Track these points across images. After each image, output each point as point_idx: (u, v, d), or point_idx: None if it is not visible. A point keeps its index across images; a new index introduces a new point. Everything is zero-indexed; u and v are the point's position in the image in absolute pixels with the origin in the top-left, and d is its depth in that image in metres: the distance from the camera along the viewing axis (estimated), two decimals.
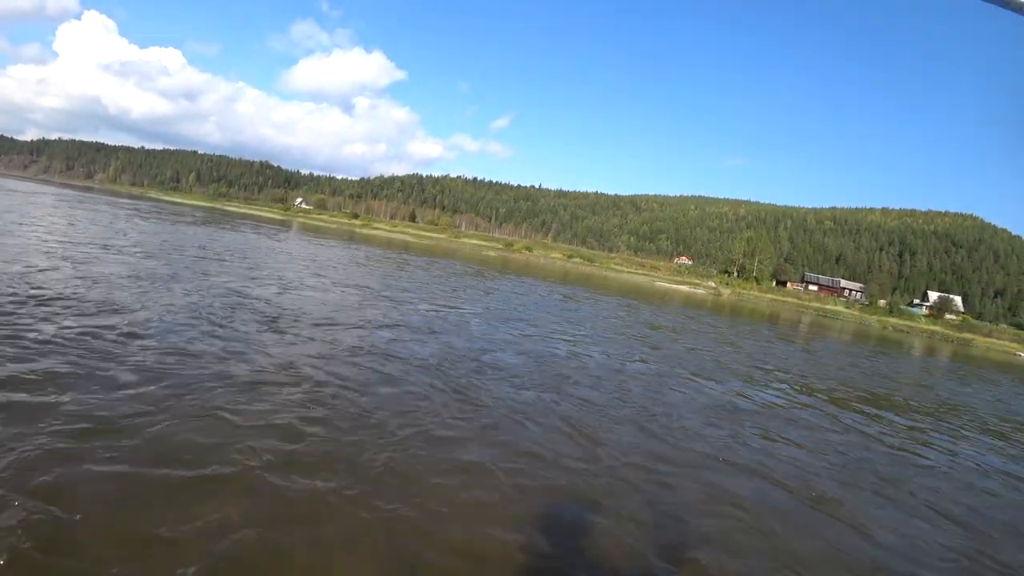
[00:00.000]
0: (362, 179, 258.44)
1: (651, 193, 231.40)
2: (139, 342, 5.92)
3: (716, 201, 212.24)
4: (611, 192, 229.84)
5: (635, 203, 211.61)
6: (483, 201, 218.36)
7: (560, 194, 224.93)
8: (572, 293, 21.25)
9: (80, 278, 8.85)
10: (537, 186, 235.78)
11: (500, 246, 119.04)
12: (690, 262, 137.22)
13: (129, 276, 9.84)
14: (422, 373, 6.80)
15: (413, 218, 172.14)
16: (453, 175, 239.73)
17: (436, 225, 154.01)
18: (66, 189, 74.68)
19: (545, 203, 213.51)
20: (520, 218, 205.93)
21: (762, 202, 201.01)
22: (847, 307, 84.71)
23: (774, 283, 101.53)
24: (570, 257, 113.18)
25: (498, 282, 23.35)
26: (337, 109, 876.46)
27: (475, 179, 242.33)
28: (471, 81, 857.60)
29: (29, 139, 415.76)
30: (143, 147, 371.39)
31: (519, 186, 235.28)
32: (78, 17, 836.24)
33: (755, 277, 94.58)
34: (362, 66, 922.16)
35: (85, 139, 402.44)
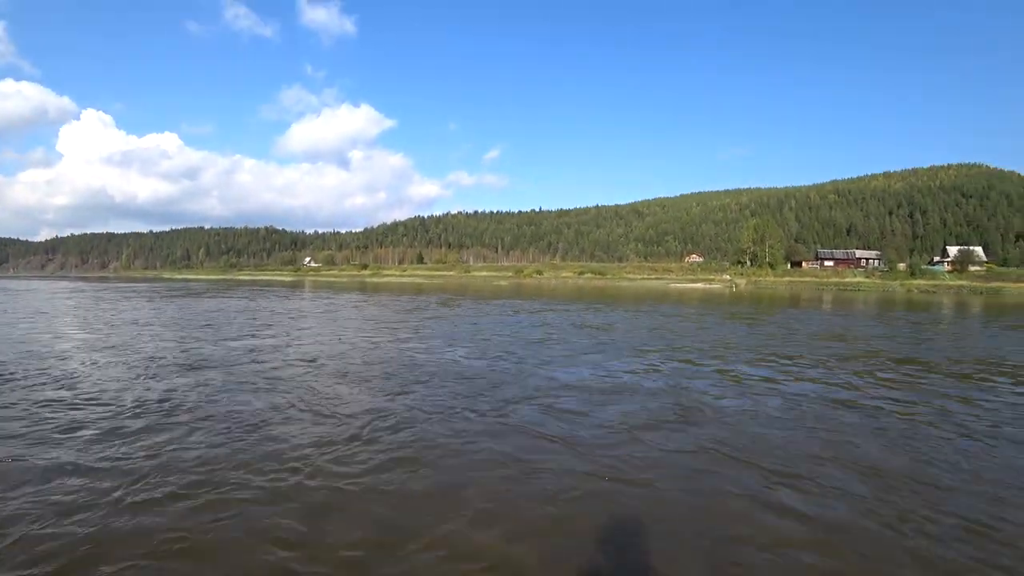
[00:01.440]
0: (366, 229, 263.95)
1: (651, 197, 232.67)
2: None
3: (717, 194, 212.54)
4: (612, 203, 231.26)
5: (637, 210, 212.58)
6: (487, 232, 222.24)
7: (561, 213, 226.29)
8: (607, 321, 19.98)
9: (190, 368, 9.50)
10: (538, 209, 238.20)
11: (510, 274, 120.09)
12: (701, 259, 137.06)
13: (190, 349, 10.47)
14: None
15: (421, 259, 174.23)
16: (454, 211, 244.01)
17: (445, 263, 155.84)
18: (81, 282, 76.77)
19: (548, 224, 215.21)
20: (526, 243, 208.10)
21: (763, 187, 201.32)
22: (867, 276, 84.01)
23: (789, 265, 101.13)
24: (581, 274, 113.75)
25: (539, 313, 23.52)
26: (333, 165, 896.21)
27: (476, 212, 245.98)
28: (459, 120, 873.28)
29: (43, 239, 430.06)
30: (151, 231, 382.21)
31: (520, 212, 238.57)
32: (77, 116, 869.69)
33: (768, 263, 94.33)
34: (352, 120, 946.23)
35: (96, 231, 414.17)
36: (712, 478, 4.99)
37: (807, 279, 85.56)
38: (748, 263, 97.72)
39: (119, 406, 6.74)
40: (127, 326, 15.66)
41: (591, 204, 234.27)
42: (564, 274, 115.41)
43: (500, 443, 5.65)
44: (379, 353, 11.34)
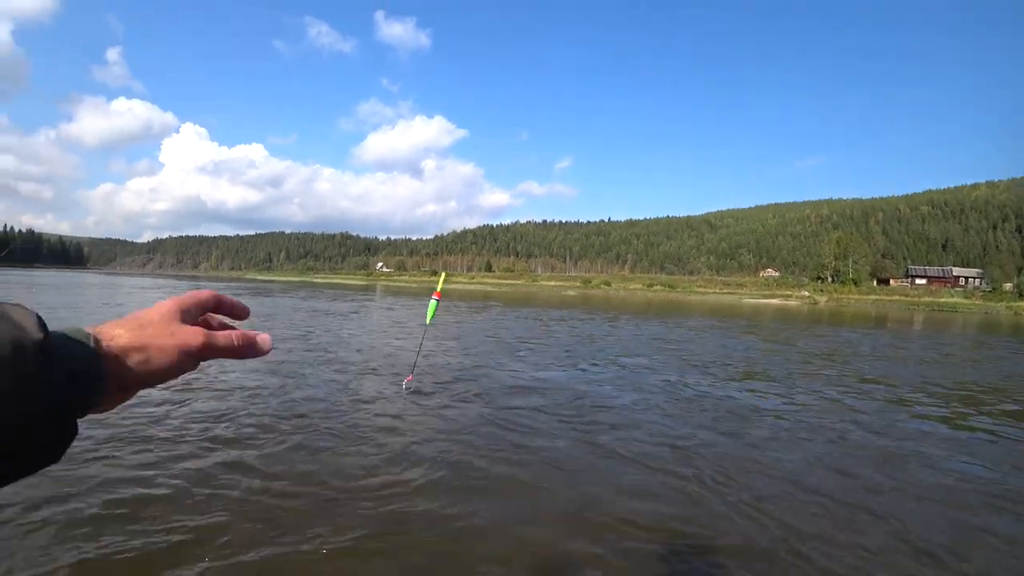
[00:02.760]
0: (436, 236, 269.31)
1: (724, 208, 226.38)
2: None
3: (795, 206, 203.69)
4: (682, 214, 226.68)
5: (709, 221, 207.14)
6: (555, 242, 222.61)
7: (631, 224, 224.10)
8: (685, 337, 19.24)
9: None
10: (607, 219, 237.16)
11: (578, 284, 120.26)
12: (777, 274, 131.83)
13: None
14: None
15: (489, 268, 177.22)
16: (523, 221, 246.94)
17: (513, 272, 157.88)
18: (174, 280, 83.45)
19: (617, 235, 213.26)
20: (594, 254, 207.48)
21: (845, 198, 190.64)
22: (966, 297, 78.31)
23: (875, 282, 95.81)
24: (650, 286, 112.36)
25: (621, 325, 23.57)
26: (407, 175, 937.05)
27: (544, 221, 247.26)
28: (530, 129, 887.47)
29: (145, 240, 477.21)
30: (237, 235, 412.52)
31: (588, 222, 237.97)
32: (177, 130, 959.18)
33: (852, 279, 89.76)
34: (425, 131, 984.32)
35: (190, 234, 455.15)
36: None
37: (895, 297, 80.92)
38: (829, 279, 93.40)
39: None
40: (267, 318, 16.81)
41: (661, 215, 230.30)
42: (632, 286, 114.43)
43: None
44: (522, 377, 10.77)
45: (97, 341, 0.47)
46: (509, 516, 3.57)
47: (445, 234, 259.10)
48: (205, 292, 0.60)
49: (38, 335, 0.42)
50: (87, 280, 56.35)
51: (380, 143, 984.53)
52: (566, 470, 4.38)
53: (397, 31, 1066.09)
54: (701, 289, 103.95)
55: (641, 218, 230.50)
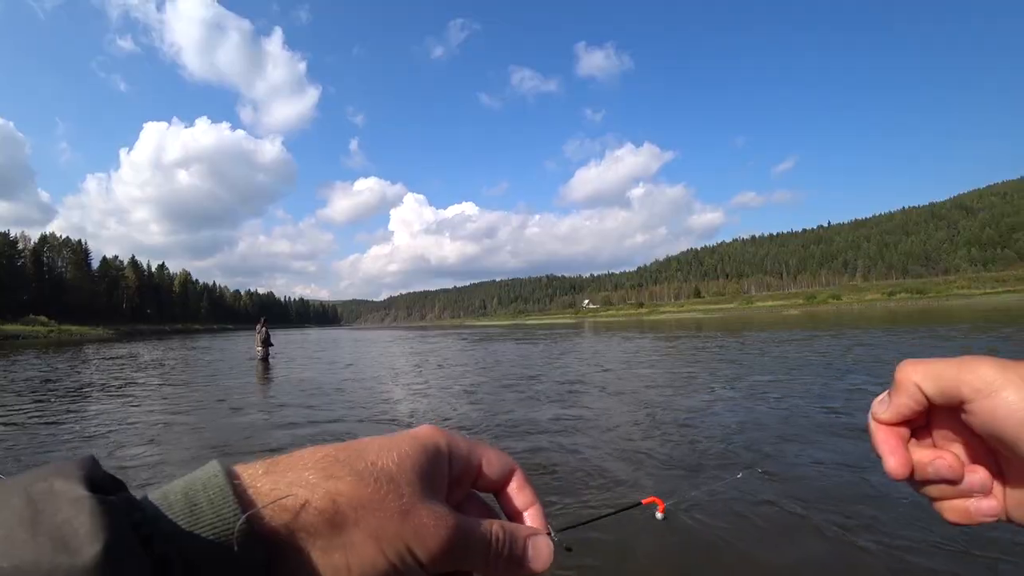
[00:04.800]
0: (639, 268, 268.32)
1: (983, 185, 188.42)
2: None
3: None
4: (924, 202, 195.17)
5: (962, 204, 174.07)
6: (768, 258, 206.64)
7: (857, 224, 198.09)
8: None
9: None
10: (826, 224, 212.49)
11: (801, 301, 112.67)
12: None
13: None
14: None
15: (698, 294, 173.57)
16: (728, 240, 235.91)
17: (724, 295, 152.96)
18: (404, 331, 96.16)
19: (841, 240, 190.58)
20: (815, 265, 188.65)
21: None
22: None
23: None
24: (891, 294, 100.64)
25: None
26: (614, 208, 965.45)
27: (753, 237, 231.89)
28: (746, 132, 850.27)
29: (383, 299, 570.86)
30: (455, 286, 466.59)
31: (804, 231, 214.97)
32: (401, 200, 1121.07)
33: None
34: (632, 160, 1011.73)
35: (416, 290, 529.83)
36: None
37: None
38: None
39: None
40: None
41: (895, 207, 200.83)
42: (869, 296, 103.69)
43: None
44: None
45: (253, 515, 0.28)
46: None
47: (648, 264, 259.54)
48: (486, 450, 0.39)
49: (92, 551, 0.23)
50: (341, 335, 70.38)
51: (587, 178, 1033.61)
52: None
53: (597, 60, 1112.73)
54: (963, 291, 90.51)
55: (868, 215, 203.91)
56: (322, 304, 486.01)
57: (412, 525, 0.31)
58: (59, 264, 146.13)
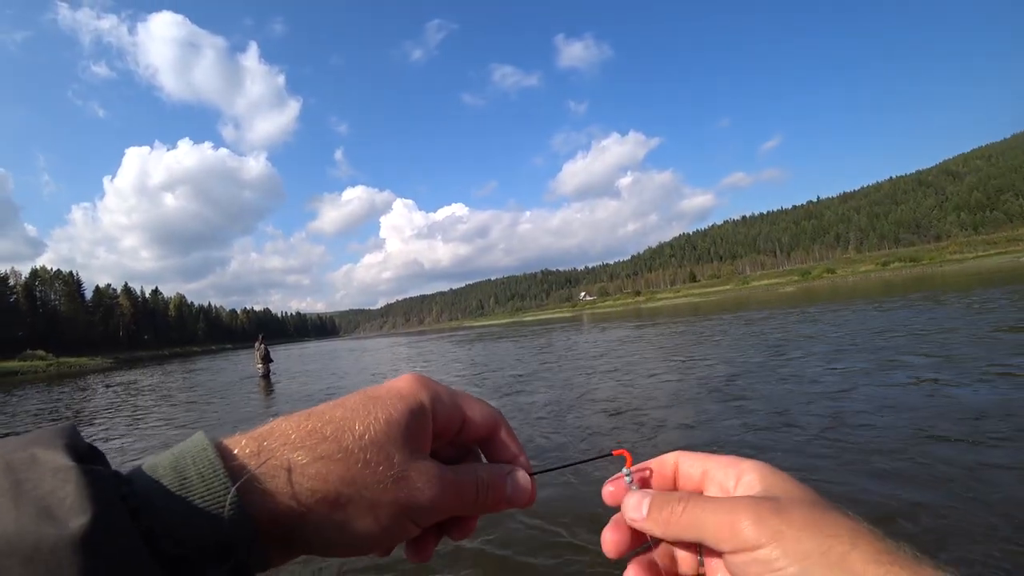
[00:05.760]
0: (633, 257, 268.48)
1: (967, 150, 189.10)
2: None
3: None
4: (911, 170, 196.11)
5: (948, 170, 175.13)
6: (760, 237, 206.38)
7: (846, 197, 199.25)
8: None
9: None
10: (815, 199, 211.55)
11: (796, 278, 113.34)
12: None
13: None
14: None
15: (694, 277, 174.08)
16: (719, 222, 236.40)
17: (719, 277, 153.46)
18: (403, 336, 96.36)
19: (831, 214, 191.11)
20: (808, 240, 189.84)
21: None
22: None
23: None
24: (886, 264, 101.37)
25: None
26: (604, 198, 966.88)
27: (744, 217, 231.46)
28: (731, 114, 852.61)
29: (379, 307, 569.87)
30: (450, 288, 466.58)
31: (795, 207, 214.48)
32: (390, 207, 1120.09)
33: None
34: (619, 149, 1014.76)
35: (412, 295, 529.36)
36: None
37: None
38: None
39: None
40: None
41: (883, 177, 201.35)
42: (863, 268, 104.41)
43: None
44: None
45: (244, 490, 0.28)
46: None
47: (641, 252, 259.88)
48: (470, 403, 0.39)
49: (79, 522, 0.23)
50: (339, 345, 70.64)
51: (575, 170, 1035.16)
52: None
53: (577, 51, 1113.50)
54: (956, 256, 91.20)
55: (857, 187, 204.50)
56: (319, 316, 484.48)
57: (405, 490, 0.32)
58: (52, 297, 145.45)
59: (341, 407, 0.33)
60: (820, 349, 10.49)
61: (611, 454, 0.43)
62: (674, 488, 0.39)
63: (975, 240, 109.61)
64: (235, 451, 0.30)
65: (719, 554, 0.32)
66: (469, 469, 0.37)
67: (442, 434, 0.38)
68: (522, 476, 0.39)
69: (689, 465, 0.38)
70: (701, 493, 0.37)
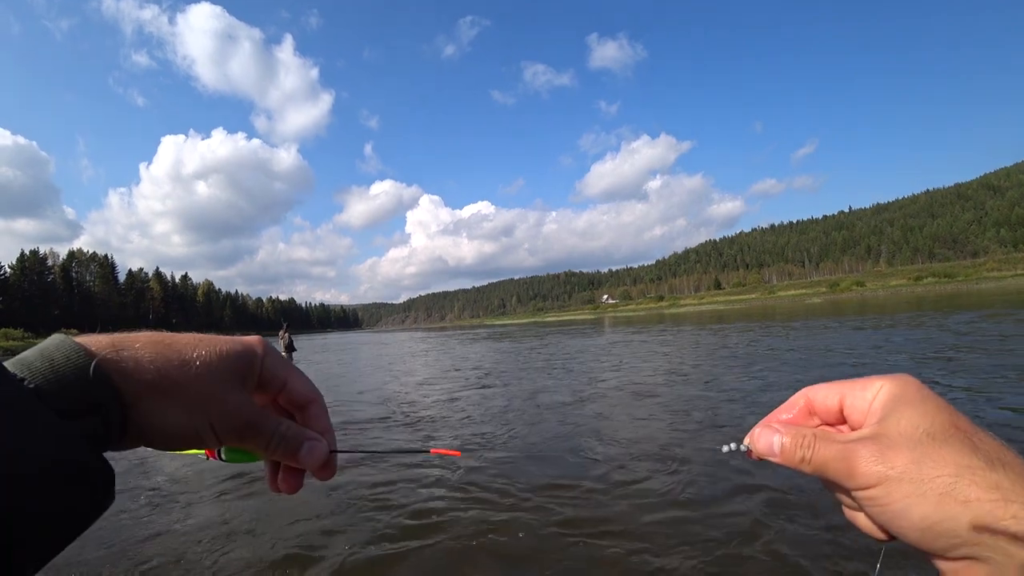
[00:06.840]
0: (658, 261, 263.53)
1: (1012, 163, 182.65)
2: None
3: None
4: (949, 183, 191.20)
5: (989, 184, 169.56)
6: (788, 246, 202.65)
7: (879, 209, 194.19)
8: None
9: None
10: (847, 209, 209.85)
11: (824, 289, 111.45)
12: None
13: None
14: None
15: (718, 285, 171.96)
16: (748, 229, 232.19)
17: (744, 286, 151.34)
18: (423, 332, 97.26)
19: (863, 226, 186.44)
20: (838, 252, 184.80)
21: None
22: None
23: None
24: (918, 279, 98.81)
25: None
26: (631, 201, 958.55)
27: (773, 225, 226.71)
28: (764, 117, 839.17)
29: (402, 301, 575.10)
30: (473, 286, 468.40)
31: (825, 217, 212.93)
32: (417, 202, 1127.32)
33: None
34: (649, 152, 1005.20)
35: (436, 291, 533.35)
36: None
37: None
38: None
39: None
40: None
41: (919, 190, 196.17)
42: (894, 282, 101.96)
43: None
44: None
45: (101, 362, 0.36)
46: None
47: (667, 257, 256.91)
48: (295, 373, 0.48)
49: None
50: (361, 338, 71.70)
51: (603, 172, 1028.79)
52: None
53: (610, 51, 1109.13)
54: (993, 273, 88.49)
55: (891, 199, 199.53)
56: (342, 308, 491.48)
57: (218, 405, 0.40)
58: (87, 278, 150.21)
59: (190, 336, 0.41)
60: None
61: (429, 452, 0.49)
62: (813, 422, 0.42)
63: (1015, 258, 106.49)
64: (92, 346, 0.37)
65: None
66: (276, 419, 0.44)
67: (265, 385, 0.46)
68: (320, 446, 0.46)
69: (824, 397, 0.41)
70: (843, 423, 0.40)
